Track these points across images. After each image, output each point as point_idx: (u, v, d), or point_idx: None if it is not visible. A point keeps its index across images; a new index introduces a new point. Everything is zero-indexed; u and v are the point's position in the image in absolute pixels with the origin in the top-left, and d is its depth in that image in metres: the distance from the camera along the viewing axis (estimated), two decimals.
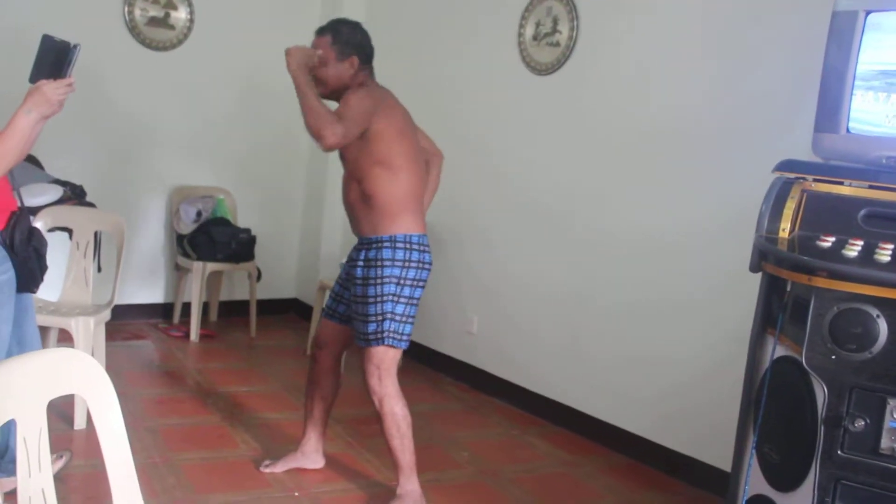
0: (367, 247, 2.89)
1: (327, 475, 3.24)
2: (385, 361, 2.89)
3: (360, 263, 2.89)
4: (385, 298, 2.84)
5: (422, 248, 2.90)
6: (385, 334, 2.85)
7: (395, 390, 2.91)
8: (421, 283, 2.92)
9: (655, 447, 3.57)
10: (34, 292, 2.64)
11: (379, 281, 2.84)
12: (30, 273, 2.51)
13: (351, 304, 2.95)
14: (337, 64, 2.89)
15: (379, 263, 2.85)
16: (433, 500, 3.10)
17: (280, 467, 3.20)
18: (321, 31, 2.95)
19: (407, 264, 2.86)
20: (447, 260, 4.64)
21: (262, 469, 3.19)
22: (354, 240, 3.01)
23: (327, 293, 3.45)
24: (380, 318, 2.84)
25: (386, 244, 2.85)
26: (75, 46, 2.32)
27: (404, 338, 2.90)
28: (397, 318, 2.86)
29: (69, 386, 1.60)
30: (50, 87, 2.29)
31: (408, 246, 2.87)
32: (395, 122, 2.88)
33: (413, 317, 2.92)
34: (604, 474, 3.51)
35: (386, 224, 2.86)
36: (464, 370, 4.53)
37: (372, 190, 2.85)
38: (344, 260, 3.14)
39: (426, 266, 2.92)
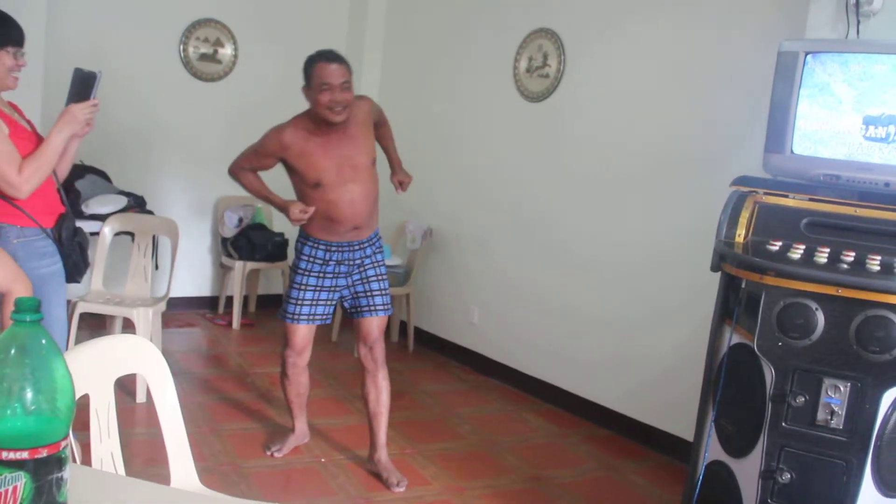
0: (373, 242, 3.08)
1: (348, 444, 3.27)
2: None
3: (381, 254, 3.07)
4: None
5: None
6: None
7: None
8: None
9: (631, 421, 3.59)
10: (79, 282, 2.64)
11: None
12: (74, 265, 2.52)
13: (367, 284, 3.03)
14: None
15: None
16: (440, 468, 3.14)
17: (285, 450, 3.13)
18: (342, 60, 2.83)
19: None
20: (452, 259, 4.67)
21: (272, 453, 3.10)
22: None
23: None
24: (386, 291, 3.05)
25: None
26: (98, 73, 2.33)
27: None
28: None
29: (132, 366, 1.65)
30: (77, 108, 2.31)
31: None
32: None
33: None
34: (587, 444, 3.54)
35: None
36: (466, 355, 4.55)
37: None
38: (323, 268, 3.14)
39: None
